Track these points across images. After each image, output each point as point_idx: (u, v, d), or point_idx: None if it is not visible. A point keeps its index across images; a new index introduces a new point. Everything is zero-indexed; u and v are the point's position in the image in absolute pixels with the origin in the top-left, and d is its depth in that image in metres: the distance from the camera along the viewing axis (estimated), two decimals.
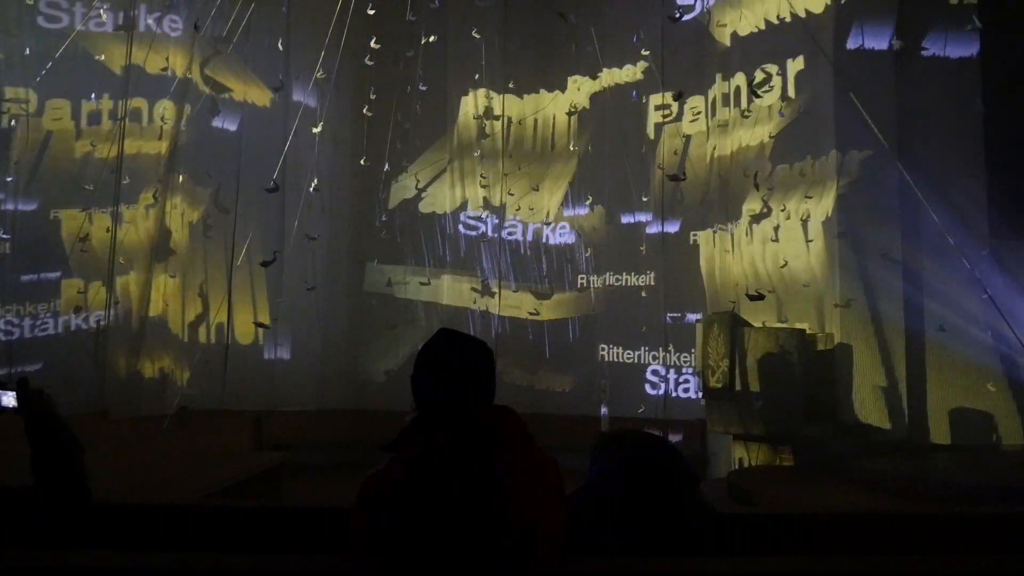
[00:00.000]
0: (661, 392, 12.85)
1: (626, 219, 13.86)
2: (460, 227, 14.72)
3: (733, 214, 12.10)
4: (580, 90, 14.39)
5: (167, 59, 12.63)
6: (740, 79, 11.90)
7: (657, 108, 13.30)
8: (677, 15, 12.45)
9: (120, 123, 12.05)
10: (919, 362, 10.19)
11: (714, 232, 12.47)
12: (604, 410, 11.71)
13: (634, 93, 13.59)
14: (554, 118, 14.51)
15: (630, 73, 13.88)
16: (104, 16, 12.64)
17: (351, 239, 14.77)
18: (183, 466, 8.28)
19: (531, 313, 14.38)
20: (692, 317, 12.62)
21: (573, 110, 14.24)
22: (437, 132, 14.85)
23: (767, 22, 11.55)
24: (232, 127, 13.55)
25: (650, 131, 13.50)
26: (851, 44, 10.59)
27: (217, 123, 13.37)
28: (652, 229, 13.19)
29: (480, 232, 14.70)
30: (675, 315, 12.83)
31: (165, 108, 12.56)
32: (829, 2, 10.77)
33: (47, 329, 11.88)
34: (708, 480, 10.71)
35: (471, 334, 2.39)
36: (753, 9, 11.80)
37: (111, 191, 11.96)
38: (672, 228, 12.91)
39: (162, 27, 12.63)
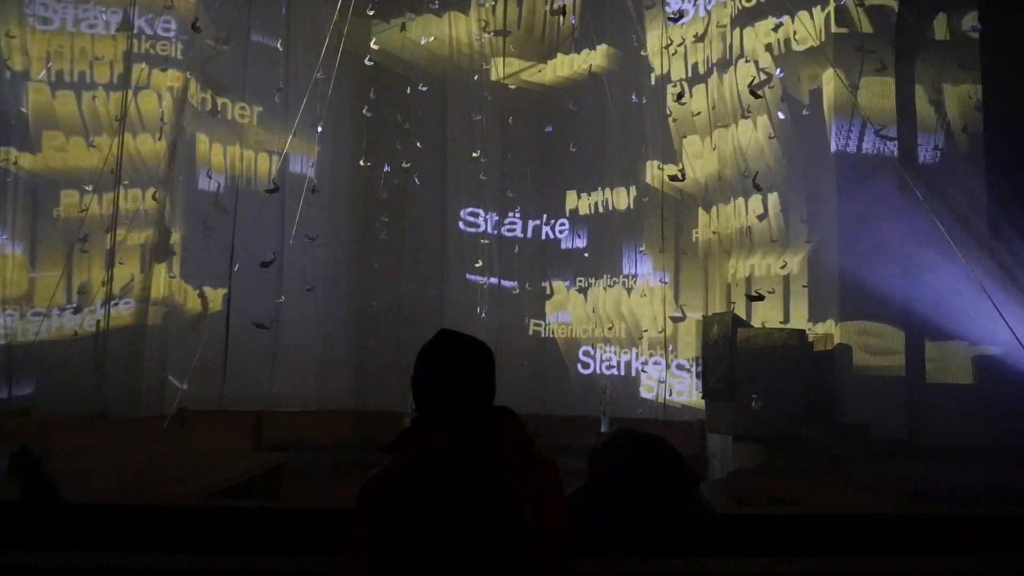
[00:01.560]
0: (661, 393, 12.86)
1: (625, 220, 13.87)
2: (460, 224, 14.72)
3: (733, 214, 12.11)
4: (580, 91, 14.38)
5: (166, 60, 12.64)
6: (740, 79, 11.90)
7: (657, 108, 13.31)
8: (677, 16, 12.47)
9: (120, 123, 12.04)
10: (919, 362, 10.19)
11: (714, 233, 12.48)
12: (604, 427, 11.70)
13: (633, 95, 13.59)
14: (554, 118, 14.50)
15: (630, 73, 13.88)
16: (100, 17, 12.64)
17: (351, 239, 14.77)
18: (183, 467, 8.28)
19: (533, 318, 14.39)
20: (692, 318, 12.62)
21: (573, 109, 14.24)
22: (437, 132, 14.85)
23: (767, 23, 11.55)
24: (232, 128, 13.57)
25: (650, 131, 13.51)
26: (851, 45, 10.59)
27: (217, 124, 13.38)
28: (651, 229, 13.19)
29: (480, 230, 14.70)
30: (676, 316, 12.83)
31: (165, 108, 12.56)
32: (829, 3, 10.78)
33: (44, 331, 11.86)
34: (708, 480, 10.72)
35: (470, 335, 2.39)
36: (753, 10, 11.81)
37: (111, 192, 11.97)
38: (672, 228, 12.91)
39: (155, 28, 12.58)
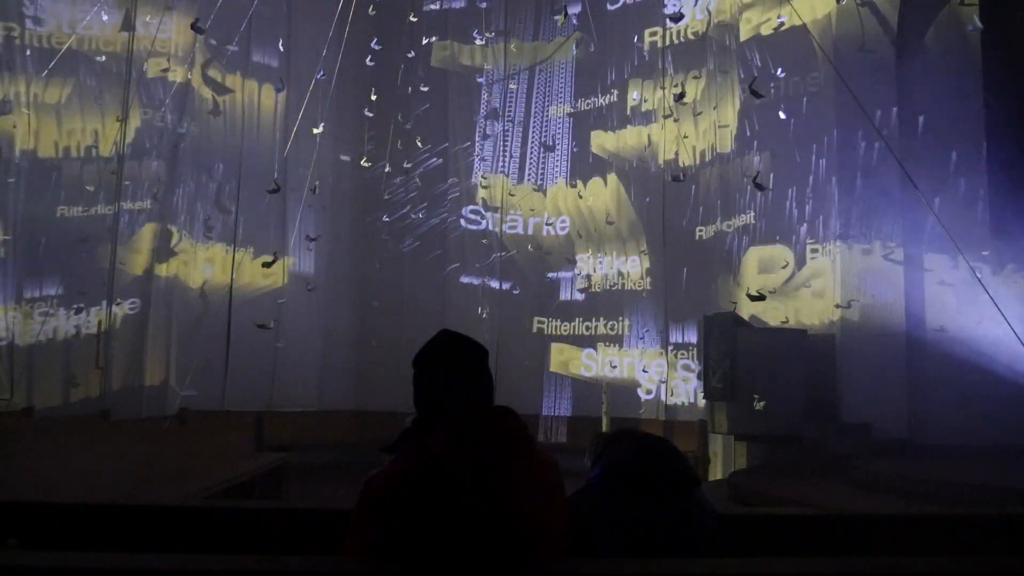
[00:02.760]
0: (661, 393, 12.85)
1: (627, 219, 13.85)
2: (461, 222, 14.69)
3: (734, 214, 12.10)
4: (579, 90, 14.39)
5: (168, 60, 12.64)
6: (741, 80, 11.90)
7: (657, 108, 13.30)
8: (677, 17, 12.47)
9: (121, 124, 12.06)
10: (919, 362, 10.19)
11: (715, 232, 12.47)
12: (604, 427, 11.69)
13: (635, 95, 13.58)
14: (554, 118, 14.49)
15: (630, 73, 13.88)
16: (101, 18, 12.65)
17: (351, 239, 14.78)
18: (184, 467, 8.28)
19: (536, 316, 14.37)
20: (693, 318, 12.61)
21: (573, 111, 14.24)
22: (438, 133, 14.85)
23: (768, 23, 11.55)
24: (233, 128, 13.57)
25: (651, 131, 13.50)
26: (853, 44, 10.59)
27: (218, 124, 13.40)
28: (653, 230, 13.18)
29: (481, 227, 14.66)
30: (677, 316, 12.82)
31: (166, 109, 12.57)
32: (831, 3, 10.78)
33: (48, 331, 11.87)
34: (708, 480, 10.71)
35: (469, 336, 2.39)
36: (754, 10, 11.81)
37: (112, 192, 11.99)
38: (673, 229, 12.90)
39: (148, 30, 12.56)
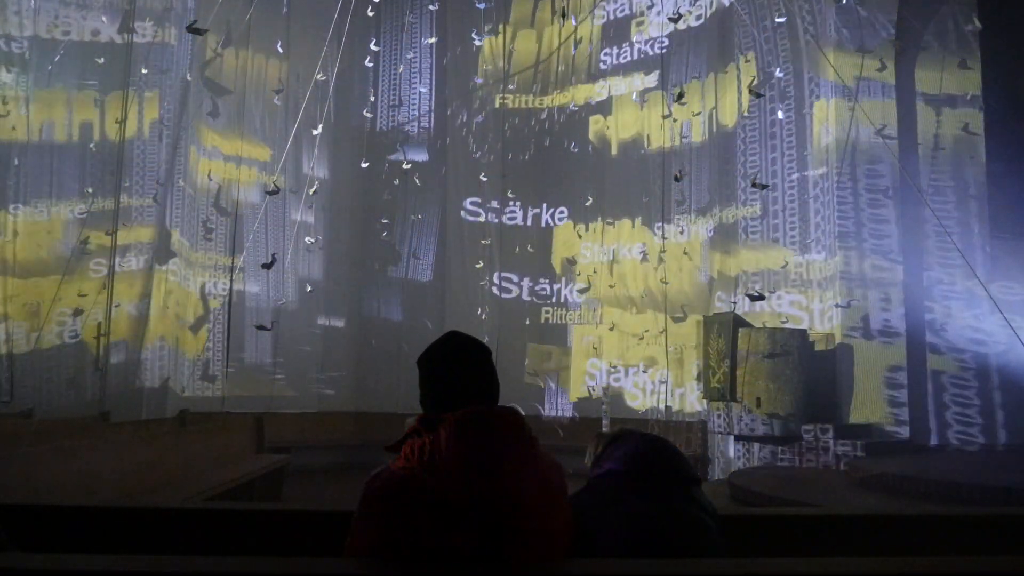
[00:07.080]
0: (662, 393, 12.84)
1: (626, 220, 13.84)
2: (462, 212, 14.66)
3: (734, 213, 12.11)
4: (580, 91, 14.39)
5: (167, 62, 12.63)
6: (741, 80, 11.91)
7: (657, 108, 13.30)
8: (676, 17, 12.49)
9: (120, 125, 12.05)
10: (919, 362, 10.20)
11: (715, 231, 12.46)
12: (605, 428, 11.69)
13: (635, 95, 13.59)
14: (553, 118, 14.49)
15: (632, 73, 13.88)
16: (100, 19, 12.64)
17: (351, 240, 14.77)
18: (184, 469, 8.28)
19: (534, 316, 14.36)
20: (692, 319, 12.60)
21: (573, 109, 14.24)
22: (437, 132, 14.85)
23: (767, 23, 11.56)
24: (232, 129, 13.58)
25: (651, 131, 13.49)
26: (851, 44, 10.60)
27: (217, 125, 13.39)
28: (653, 230, 13.18)
29: (481, 219, 14.64)
30: (678, 316, 12.81)
31: (165, 110, 12.56)
32: (830, 2, 10.79)
33: (48, 332, 11.85)
34: (709, 481, 10.72)
35: (474, 336, 2.39)
36: (754, 10, 11.82)
37: (112, 193, 11.97)
38: (673, 229, 12.89)
39: (147, 32, 12.51)
